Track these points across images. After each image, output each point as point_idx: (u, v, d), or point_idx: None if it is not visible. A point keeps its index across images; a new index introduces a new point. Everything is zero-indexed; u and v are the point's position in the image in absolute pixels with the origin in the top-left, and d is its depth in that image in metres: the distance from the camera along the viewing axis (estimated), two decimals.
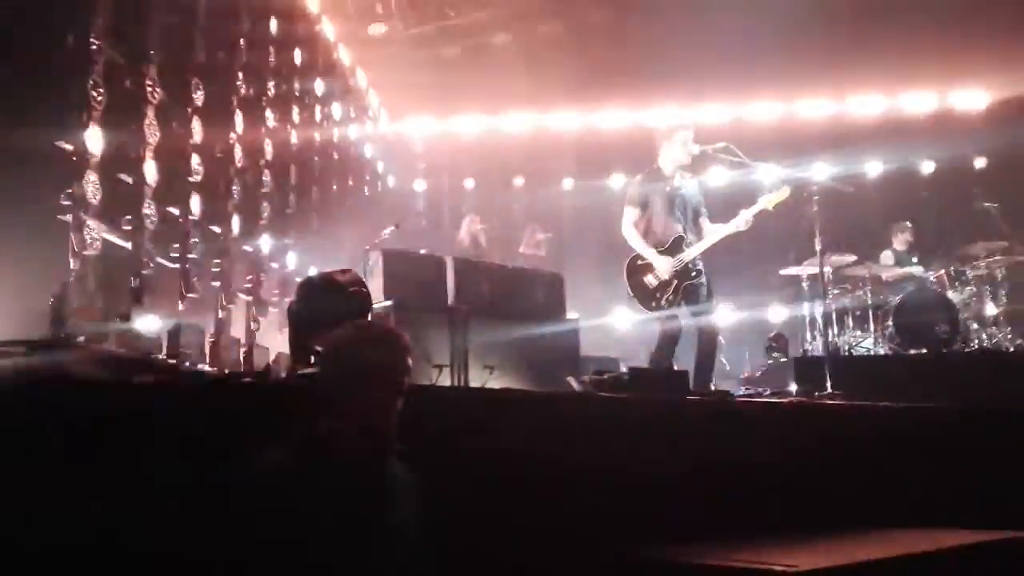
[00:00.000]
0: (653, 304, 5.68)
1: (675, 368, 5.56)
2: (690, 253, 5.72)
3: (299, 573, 2.11)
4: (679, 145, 5.83)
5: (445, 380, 5.36)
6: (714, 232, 5.80)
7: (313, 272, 5.47)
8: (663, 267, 5.67)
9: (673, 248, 5.73)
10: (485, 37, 9.93)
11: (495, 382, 5.52)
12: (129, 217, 4.87)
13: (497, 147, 11.50)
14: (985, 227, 8.27)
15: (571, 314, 6.71)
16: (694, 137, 5.87)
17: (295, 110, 8.02)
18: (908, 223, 8.87)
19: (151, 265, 4.95)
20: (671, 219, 5.80)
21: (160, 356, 4.36)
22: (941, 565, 2.94)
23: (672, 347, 5.71)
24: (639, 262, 5.77)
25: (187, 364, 4.43)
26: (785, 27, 8.62)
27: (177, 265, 5.39)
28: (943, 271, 8.02)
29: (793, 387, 5.90)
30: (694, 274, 5.72)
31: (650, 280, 5.71)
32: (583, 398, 4.25)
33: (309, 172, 8.40)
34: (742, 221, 5.71)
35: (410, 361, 2.44)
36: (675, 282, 5.68)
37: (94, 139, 4.44)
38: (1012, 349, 7.58)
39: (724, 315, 9.93)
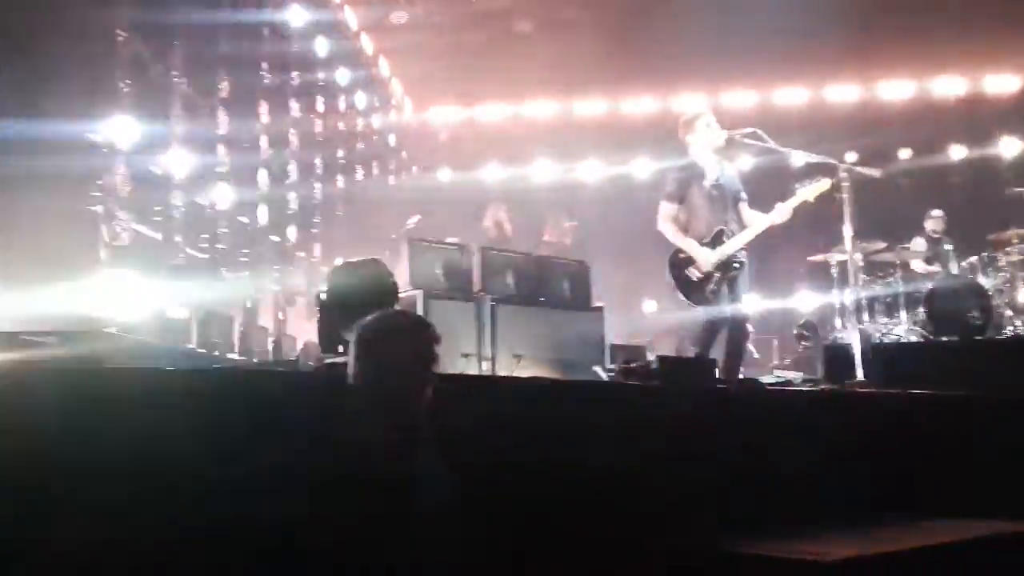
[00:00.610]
0: (698, 296, 5.57)
1: (704, 357, 5.52)
2: (732, 245, 5.62)
3: (330, 565, 2.11)
4: (704, 130, 5.72)
5: (472, 369, 5.37)
6: (755, 223, 5.70)
7: (340, 261, 5.49)
8: (705, 260, 5.58)
9: (714, 241, 5.63)
10: (508, 23, 9.90)
11: (522, 371, 5.52)
12: (158, 208, 4.91)
13: (521, 134, 11.48)
14: (1017, 212, 8.14)
15: (597, 302, 6.68)
16: (718, 121, 5.79)
17: (319, 100, 8.05)
18: (939, 211, 8.78)
19: (180, 255, 4.99)
20: (711, 211, 5.67)
21: (190, 345, 4.39)
22: (972, 555, 2.91)
23: (712, 339, 5.64)
24: (681, 255, 5.65)
25: (216, 353, 4.46)
26: (813, 10, 8.52)
27: (206, 255, 5.43)
28: (975, 257, 7.91)
29: (823, 375, 5.84)
30: (736, 265, 5.64)
31: (693, 272, 5.60)
32: (611, 387, 4.23)
33: (334, 162, 8.42)
34: (785, 211, 5.61)
35: (438, 350, 2.43)
36: (718, 275, 5.58)
37: (122, 130, 4.47)
38: None
39: (753, 303, 9.90)
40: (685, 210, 5.70)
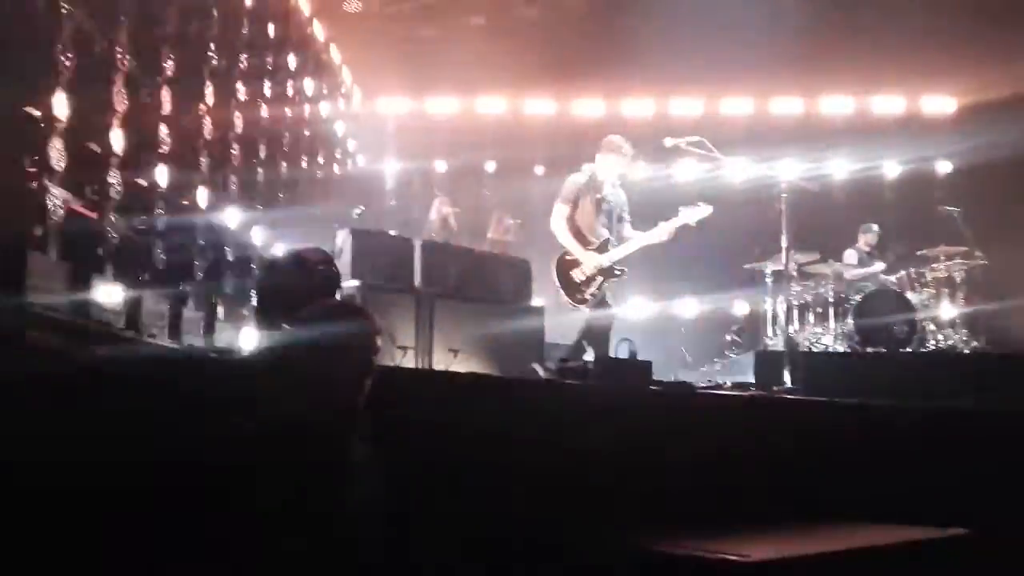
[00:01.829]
0: (578, 296, 5.92)
1: (638, 358, 5.63)
2: (614, 255, 5.97)
3: (262, 547, 2.11)
4: (618, 159, 6.09)
5: (409, 362, 5.37)
6: (636, 238, 6.06)
7: (281, 248, 5.44)
8: (590, 263, 5.91)
9: (600, 249, 5.99)
10: (461, 18, 9.87)
11: (459, 366, 5.54)
12: (95, 186, 4.79)
13: (470, 131, 11.47)
14: (946, 231, 8.42)
15: (537, 301, 6.73)
16: (662, 131, 6.07)
17: (266, 84, 7.93)
18: (875, 225, 9.03)
19: (115, 236, 4.88)
20: (597, 223, 6.04)
21: (122, 328, 4.31)
22: (889, 560, 3.01)
23: (607, 337, 6.00)
24: (568, 257, 5.97)
25: (149, 337, 4.38)
26: (760, 25, 8.69)
27: (142, 237, 5.32)
28: (904, 272, 8.16)
29: (752, 380, 5.98)
30: (618, 273, 6.00)
31: (576, 274, 5.93)
32: (547, 385, 4.28)
33: (279, 147, 8.32)
34: (664, 232, 5.94)
35: (379, 341, 2.45)
36: (600, 279, 5.91)
37: (61, 105, 4.35)
38: (967, 351, 7.74)
39: (688, 308, 10.08)
40: (575, 215, 6.03)
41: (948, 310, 8.07)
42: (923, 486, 4.06)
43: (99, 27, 4.90)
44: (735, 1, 8.68)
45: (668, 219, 5.97)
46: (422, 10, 9.72)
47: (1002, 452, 4.53)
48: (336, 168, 10.66)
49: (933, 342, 7.84)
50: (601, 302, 5.98)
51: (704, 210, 5.93)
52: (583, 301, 5.92)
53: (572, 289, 5.92)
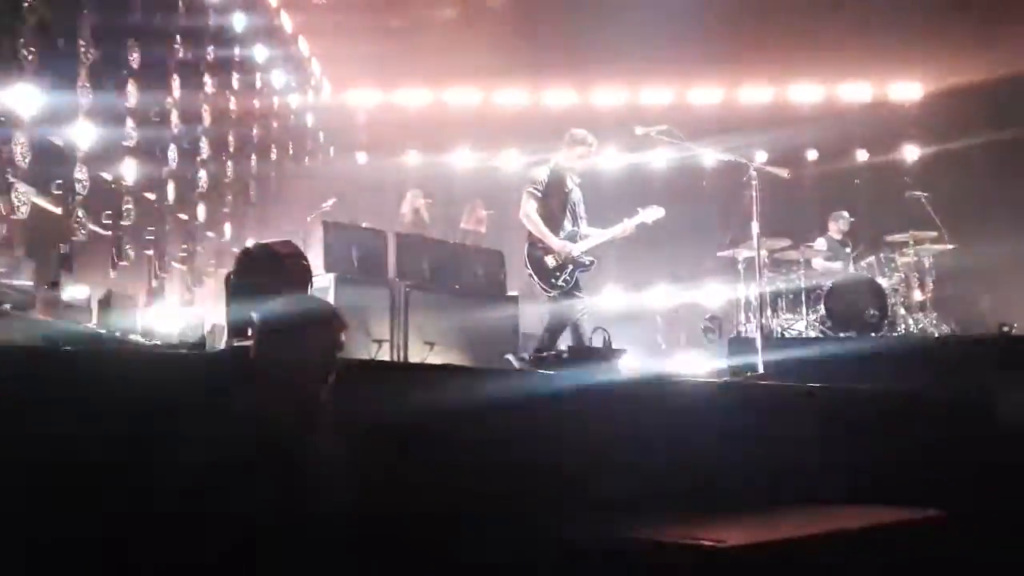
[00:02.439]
0: (552, 281, 6.02)
1: (613, 347, 5.64)
2: (581, 246, 6.12)
3: (230, 541, 2.09)
4: (577, 156, 6.27)
5: (384, 355, 5.35)
6: (595, 236, 6.22)
7: (251, 242, 5.39)
8: (562, 250, 6.03)
9: (569, 238, 6.13)
10: (432, 9, 9.82)
11: (434, 358, 5.52)
12: (59, 181, 4.72)
13: (441, 122, 11.43)
14: (915, 216, 8.51)
15: (511, 292, 6.73)
16: (633, 120, 6.14)
17: (234, 76, 7.85)
18: (845, 213, 9.09)
19: (82, 231, 4.81)
20: (563, 216, 6.18)
21: (90, 325, 4.25)
22: (865, 542, 3.04)
23: (563, 329, 6.03)
24: (539, 245, 6.07)
25: (118, 334, 4.33)
26: (729, 13, 8.72)
27: (109, 232, 5.25)
28: (873, 257, 8.24)
29: (726, 367, 6.02)
30: (586, 263, 6.12)
31: (549, 261, 6.04)
32: (522, 375, 4.27)
33: (248, 140, 8.24)
34: (627, 228, 6.20)
35: (343, 337, 2.44)
36: (571, 266, 6.04)
37: (24, 99, 4.28)
38: (937, 335, 7.83)
39: (662, 296, 10.13)
40: (542, 210, 6.13)
41: (918, 294, 8.16)
42: (897, 468, 4.11)
43: (62, 20, 4.82)
44: None
45: (631, 216, 6.23)
46: (391, 1, 9.66)
47: (972, 434, 4.60)
48: (307, 160, 10.58)
49: (903, 326, 7.93)
50: (571, 291, 6.06)
51: (658, 212, 6.26)
52: (555, 287, 6.01)
53: (546, 275, 6.01)
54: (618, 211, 6.35)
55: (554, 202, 6.17)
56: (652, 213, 6.29)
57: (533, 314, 6.43)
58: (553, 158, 6.33)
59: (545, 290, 6.05)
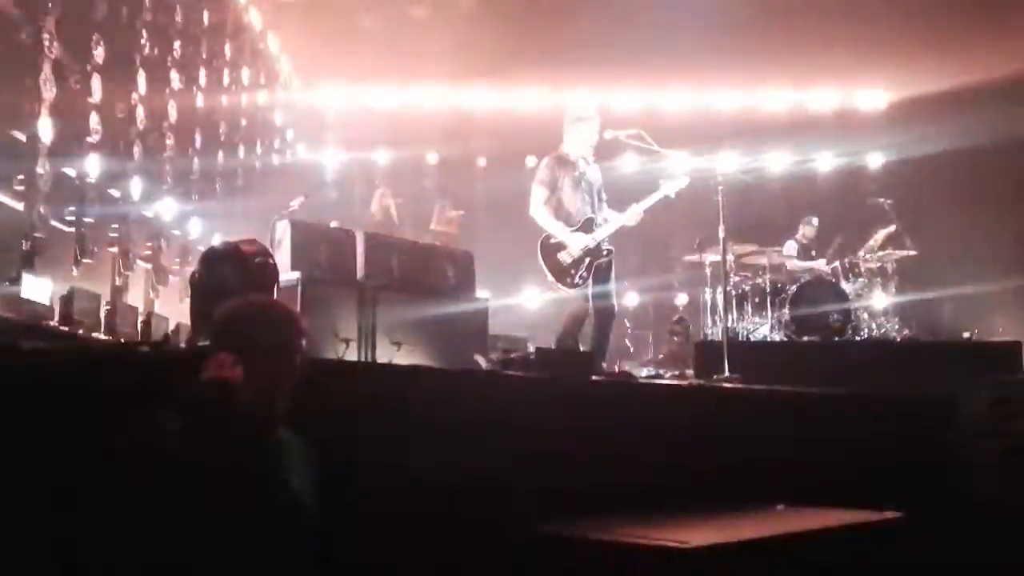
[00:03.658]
0: (568, 280, 5.75)
1: (580, 349, 5.65)
2: (600, 233, 5.84)
3: (190, 538, 2.07)
4: (584, 133, 5.95)
5: (352, 355, 5.31)
6: (613, 221, 5.95)
7: (217, 241, 5.34)
8: (576, 245, 5.76)
9: (584, 228, 5.83)
10: (404, 8, 9.79)
11: (402, 358, 5.50)
12: (21, 176, 4.64)
13: (412, 121, 11.40)
14: (878, 221, 8.63)
15: (481, 292, 6.72)
16: (604, 124, 5.98)
17: (202, 72, 7.77)
18: (815, 219, 9.18)
19: (44, 227, 4.73)
20: (580, 201, 5.89)
21: (52, 323, 4.18)
22: (826, 543, 3.08)
23: (579, 327, 5.81)
24: (552, 240, 5.83)
25: (80, 332, 4.27)
26: (700, 19, 8.79)
27: (72, 228, 5.17)
28: (838, 262, 8.35)
29: (692, 370, 6.06)
30: (605, 252, 5.84)
31: (564, 257, 5.78)
32: (490, 376, 4.27)
33: (215, 137, 8.16)
34: (636, 214, 5.88)
35: (301, 340, 2.42)
36: (587, 260, 5.77)
37: None
38: (899, 339, 7.96)
39: (629, 299, 10.18)
40: (555, 198, 5.87)
41: (881, 299, 8.28)
42: (858, 470, 4.17)
43: (26, 14, 4.74)
44: None
45: (638, 200, 5.92)
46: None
47: (932, 435, 4.67)
48: (275, 158, 10.50)
49: (866, 330, 8.04)
50: (593, 284, 5.76)
51: (682, 181, 5.89)
52: (573, 285, 5.74)
53: (560, 273, 5.75)
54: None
55: (567, 189, 5.87)
56: (675, 184, 5.90)
57: (503, 315, 6.38)
58: (562, 145, 6.01)
59: (562, 289, 5.77)
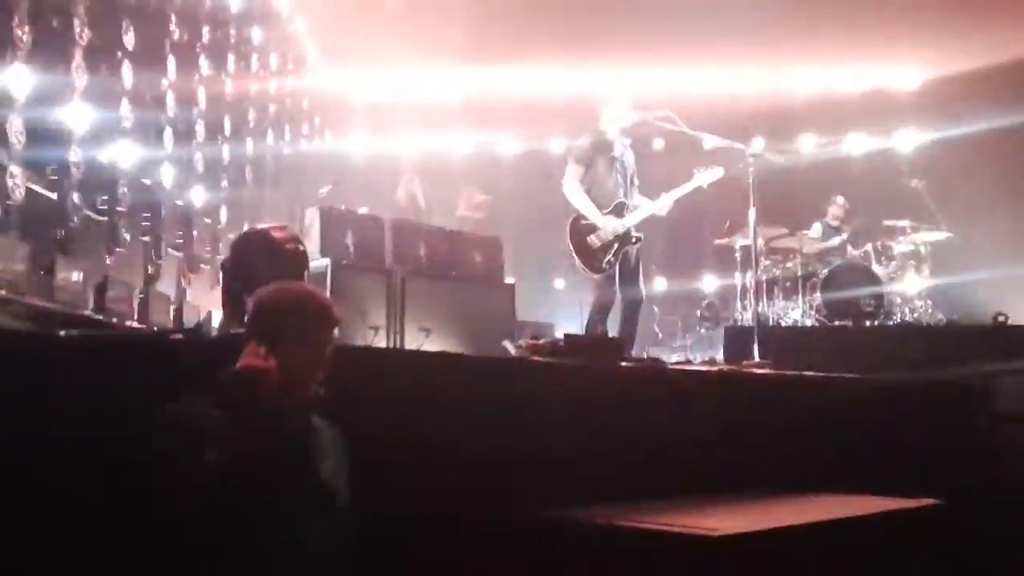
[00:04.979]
0: (596, 264, 5.68)
1: (609, 335, 5.63)
2: (631, 219, 5.77)
3: (223, 527, 2.10)
4: (618, 110, 5.86)
5: (381, 341, 5.34)
6: (644, 207, 5.87)
7: (247, 228, 5.36)
8: (607, 228, 5.69)
9: (615, 212, 5.77)
10: None
11: (431, 345, 5.52)
12: (54, 165, 4.68)
13: (439, 105, 11.37)
14: (912, 204, 8.51)
15: (508, 278, 6.72)
16: (632, 105, 5.91)
17: (230, 58, 7.79)
18: (840, 198, 9.07)
19: (77, 216, 4.78)
20: (613, 183, 5.82)
21: (86, 311, 4.23)
22: (856, 531, 3.05)
23: (606, 313, 5.78)
24: (582, 221, 5.75)
25: (114, 320, 4.31)
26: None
27: (105, 217, 5.21)
28: (870, 245, 8.24)
29: (722, 355, 6.03)
30: (634, 239, 5.77)
31: (593, 240, 5.71)
32: (518, 363, 4.27)
33: (244, 123, 8.19)
34: (667, 203, 5.80)
35: (334, 328, 2.44)
36: (616, 245, 5.70)
37: (18, 80, 4.24)
38: (932, 323, 7.85)
39: (658, 284, 10.13)
40: (589, 177, 5.79)
41: (914, 283, 8.17)
42: (891, 456, 4.13)
43: (56, 0, 4.77)
44: None
45: (669, 187, 5.83)
46: None
47: (967, 422, 4.62)
48: (303, 144, 10.53)
49: (899, 315, 7.94)
50: (620, 271, 5.71)
51: (716, 173, 5.79)
52: (600, 270, 5.67)
53: (588, 256, 5.68)
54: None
55: (601, 171, 5.77)
56: (710, 175, 5.80)
57: (530, 301, 6.36)
58: (596, 126, 5.93)
59: (588, 272, 5.71)
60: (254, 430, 2.16)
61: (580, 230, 5.75)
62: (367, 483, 2.44)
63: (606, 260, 5.68)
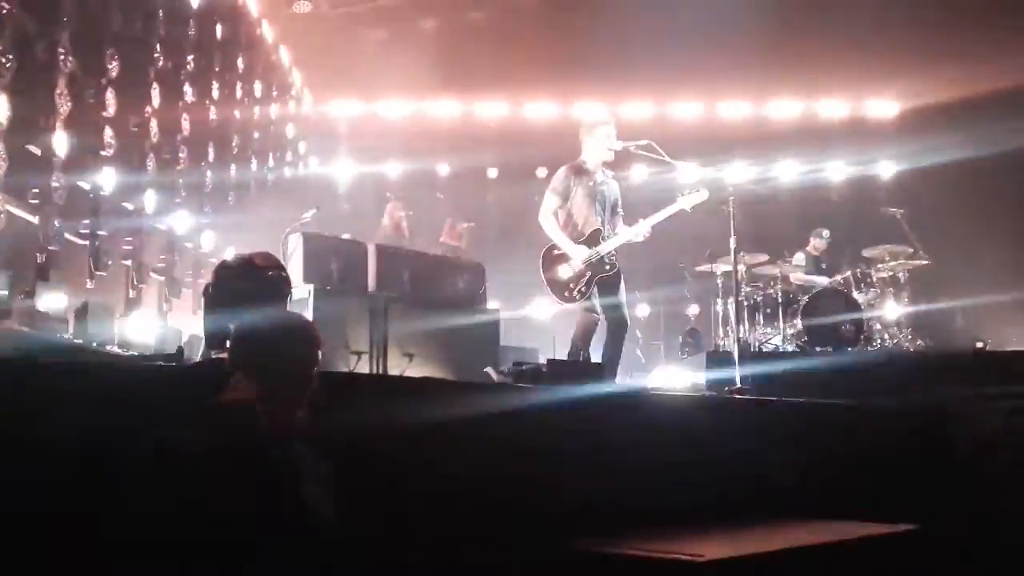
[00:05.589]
0: (566, 295, 5.68)
1: (592, 360, 5.64)
2: (606, 247, 5.77)
3: (209, 546, 2.08)
4: (601, 140, 5.87)
5: (363, 367, 5.33)
6: (622, 234, 5.86)
7: (230, 253, 5.36)
8: (578, 258, 5.70)
9: (590, 240, 5.77)
10: (413, 21, 9.84)
11: (414, 370, 5.51)
12: (36, 190, 4.67)
13: (422, 134, 11.44)
14: (890, 231, 8.59)
15: (491, 304, 6.73)
16: (616, 133, 5.94)
17: (214, 85, 7.82)
18: (826, 231, 9.10)
19: (58, 241, 4.77)
20: (591, 212, 5.82)
21: (66, 336, 4.21)
22: (838, 557, 3.06)
23: (589, 339, 5.78)
24: (555, 252, 5.77)
25: (94, 344, 4.29)
26: (709, 29, 8.79)
27: (86, 241, 5.20)
28: (849, 272, 8.31)
29: (704, 381, 6.04)
30: (608, 267, 5.77)
31: (564, 270, 5.71)
32: (501, 389, 4.27)
33: (228, 150, 8.21)
34: (644, 229, 5.79)
35: (319, 353, 2.44)
36: (588, 274, 5.69)
37: (1, 107, 4.25)
38: (912, 350, 7.91)
39: (641, 310, 10.16)
40: (567, 207, 5.83)
41: (893, 310, 8.23)
42: (873, 482, 4.15)
43: (41, 28, 4.79)
44: (684, 5, 8.77)
45: (653, 213, 5.82)
46: (372, 12, 9.67)
47: (946, 447, 4.65)
48: (287, 171, 10.55)
49: (879, 341, 8.00)
50: (598, 297, 5.67)
51: (700, 196, 5.79)
52: (570, 299, 5.67)
53: (558, 287, 5.69)
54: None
55: (580, 198, 5.78)
56: (694, 198, 5.75)
57: (513, 327, 6.36)
58: (578, 158, 5.91)
59: (559, 302, 5.69)
60: (237, 459, 2.15)
61: (552, 260, 5.77)
62: (349, 509, 2.43)
63: (577, 290, 5.66)
